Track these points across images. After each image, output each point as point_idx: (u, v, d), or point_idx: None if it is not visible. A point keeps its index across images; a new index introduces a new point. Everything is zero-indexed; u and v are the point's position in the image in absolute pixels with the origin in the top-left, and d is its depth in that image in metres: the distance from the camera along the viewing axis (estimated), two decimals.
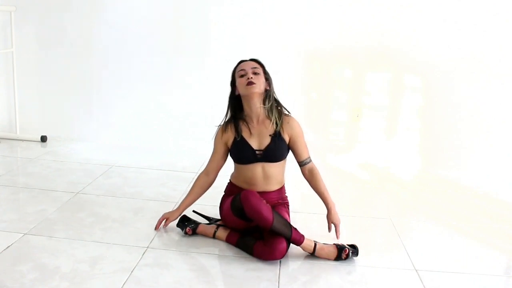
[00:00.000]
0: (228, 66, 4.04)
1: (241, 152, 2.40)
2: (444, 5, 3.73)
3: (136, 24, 4.07)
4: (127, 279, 2.02)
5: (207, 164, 2.54)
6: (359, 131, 4.06)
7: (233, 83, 2.46)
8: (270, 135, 2.39)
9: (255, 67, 2.41)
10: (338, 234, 2.48)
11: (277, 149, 2.40)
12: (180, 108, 4.13)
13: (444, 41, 3.78)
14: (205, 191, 2.55)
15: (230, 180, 2.57)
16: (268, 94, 2.41)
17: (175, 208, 2.58)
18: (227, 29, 3.98)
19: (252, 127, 2.41)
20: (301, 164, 2.49)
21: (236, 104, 2.47)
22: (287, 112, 2.48)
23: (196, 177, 2.61)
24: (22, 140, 4.17)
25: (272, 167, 2.42)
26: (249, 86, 2.34)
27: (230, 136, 2.43)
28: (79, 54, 4.16)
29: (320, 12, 3.86)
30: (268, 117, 2.41)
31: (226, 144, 2.46)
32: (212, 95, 4.06)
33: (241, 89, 2.39)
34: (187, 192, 3.12)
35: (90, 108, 4.26)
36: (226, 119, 2.49)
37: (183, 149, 4.03)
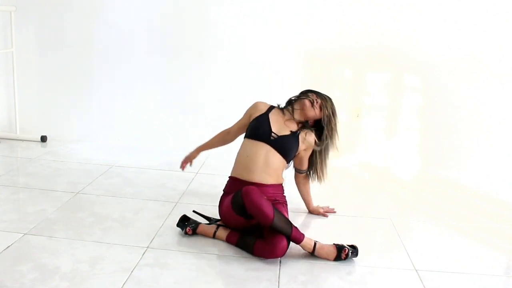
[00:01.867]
0: (228, 66, 4.10)
1: (259, 124, 2.60)
2: (444, 5, 3.73)
3: (136, 24, 4.06)
4: (127, 279, 2.02)
5: (231, 126, 2.82)
6: (359, 131, 4.06)
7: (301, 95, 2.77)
8: (290, 131, 2.60)
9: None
10: (331, 209, 2.91)
11: (289, 143, 2.58)
12: (180, 108, 4.13)
13: (444, 41, 3.78)
14: (222, 145, 2.89)
15: (230, 176, 2.61)
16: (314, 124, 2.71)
17: (192, 151, 2.97)
18: (227, 29, 3.98)
19: (284, 118, 2.64)
20: (300, 172, 2.78)
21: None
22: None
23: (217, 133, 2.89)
24: (22, 140, 4.16)
25: (275, 158, 2.52)
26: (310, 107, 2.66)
27: (257, 111, 2.67)
28: (79, 54, 4.15)
29: (320, 12, 3.86)
30: (299, 123, 2.68)
31: (250, 116, 2.69)
32: (212, 95, 4.06)
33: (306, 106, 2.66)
34: (187, 192, 3.14)
35: (90, 108, 4.26)
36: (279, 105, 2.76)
37: (183, 149, 4.02)
